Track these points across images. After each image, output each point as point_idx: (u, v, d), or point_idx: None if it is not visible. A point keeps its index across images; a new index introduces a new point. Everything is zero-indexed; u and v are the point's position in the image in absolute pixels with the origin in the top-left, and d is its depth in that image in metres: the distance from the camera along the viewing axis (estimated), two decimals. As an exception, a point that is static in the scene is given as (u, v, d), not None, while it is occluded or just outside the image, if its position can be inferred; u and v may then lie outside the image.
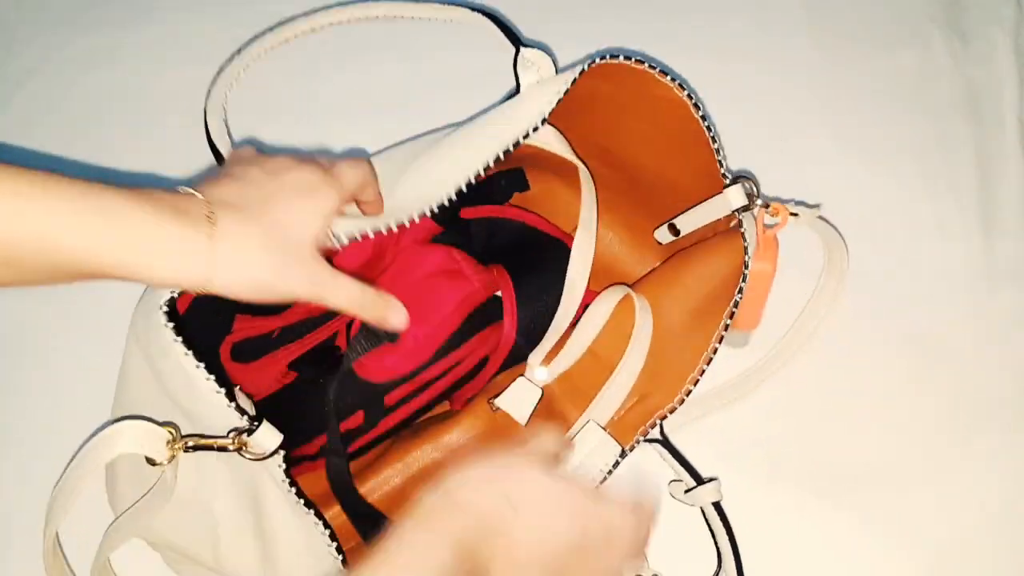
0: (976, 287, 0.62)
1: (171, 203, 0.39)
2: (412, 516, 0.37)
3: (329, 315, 0.54)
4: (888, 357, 0.60)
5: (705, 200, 0.53)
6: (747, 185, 0.52)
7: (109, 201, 0.37)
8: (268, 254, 0.40)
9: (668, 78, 0.50)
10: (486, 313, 0.54)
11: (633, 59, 0.50)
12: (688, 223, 0.55)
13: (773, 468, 0.57)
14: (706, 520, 0.54)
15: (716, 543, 0.54)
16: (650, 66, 0.50)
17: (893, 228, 0.64)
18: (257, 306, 0.53)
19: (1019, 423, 0.59)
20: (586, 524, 0.40)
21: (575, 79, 0.50)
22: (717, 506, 0.53)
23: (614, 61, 0.50)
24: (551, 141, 0.55)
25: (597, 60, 0.50)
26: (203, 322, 0.54)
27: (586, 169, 0.56)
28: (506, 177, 0.59)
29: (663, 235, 0.57)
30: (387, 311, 0.46)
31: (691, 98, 0.51)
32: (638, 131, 0.55)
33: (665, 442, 0.54)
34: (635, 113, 0.53)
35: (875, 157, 0.67)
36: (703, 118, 0.51)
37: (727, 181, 0.52)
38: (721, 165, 0.52)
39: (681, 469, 0.55)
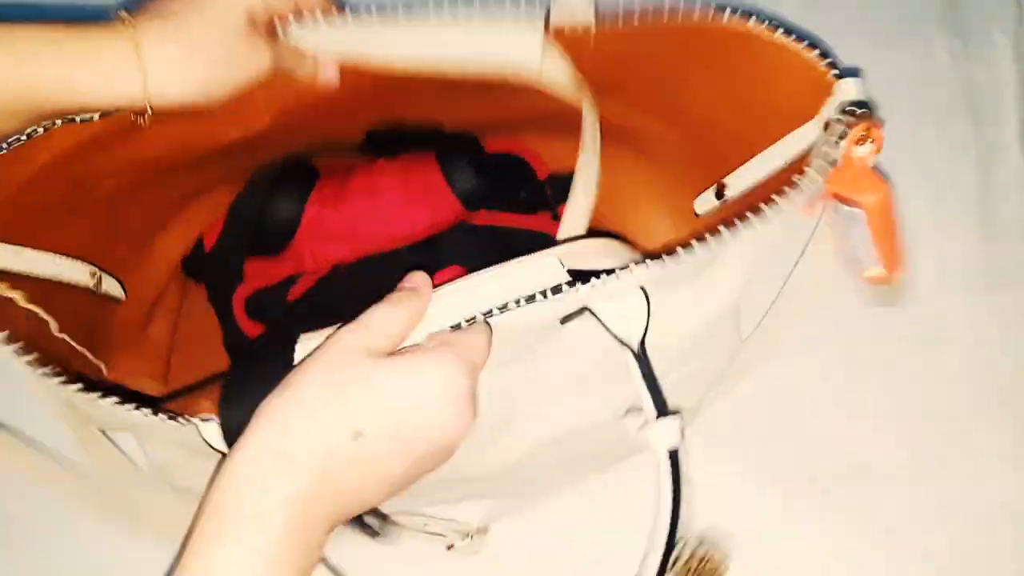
0: (976, 287, 0.62)
1: (92, 24, 0.39)
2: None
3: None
4: (887, 356, 0.60)
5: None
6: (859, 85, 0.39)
7: (40, 34, 0.38)
8: (199, 41, 0.40)
9: (725, 15, 0.41)
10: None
11: (680, 10, 0.42)
12: (742, 178, 0.44)
13: (772, 468, 0.57)
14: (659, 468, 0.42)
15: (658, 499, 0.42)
16: (700, 11, 0.42)
17: (893, 228, 0.64)
18: (260, 246, 0.54)
19: (1019, 423, 0.59)
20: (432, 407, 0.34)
21: (606, 26, 0.43)
22: (673, 456, 0.42)
23: (657, 15, 0.42)
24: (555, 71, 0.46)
25: (635, 14, 0.43)
26: (216, 275, 0.54)
27: (589, 103, 0.47)
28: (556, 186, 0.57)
29: (704, 203, 0.47)
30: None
31: (762, 23, 0.41)
32: (707, 82, 0.46)
33: (641, 357, 0.41)
34: (700, 62, 0.45)
35: (875, 157, 0.67)
36: (788, 31, 0.41)
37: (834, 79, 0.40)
38: (829, 68, 0.40)
39: (647, 393, 0.41)
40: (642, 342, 0.39)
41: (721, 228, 0.37)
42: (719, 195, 0.46)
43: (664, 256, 0.37)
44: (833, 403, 0.59)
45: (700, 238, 0.37)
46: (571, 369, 0.43)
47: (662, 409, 0.41)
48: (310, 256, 0.55)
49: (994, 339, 0.61)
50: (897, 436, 0.58)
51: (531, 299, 0.36)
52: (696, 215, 0.49)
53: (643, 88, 0.48)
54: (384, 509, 0.55)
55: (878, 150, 0.40)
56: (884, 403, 0.59)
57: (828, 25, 0.71)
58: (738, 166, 0.45)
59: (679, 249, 0.37)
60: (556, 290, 0.36)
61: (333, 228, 0.54)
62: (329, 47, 0.44)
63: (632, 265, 0.37)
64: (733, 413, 0.58)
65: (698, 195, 0.49)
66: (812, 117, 0.40)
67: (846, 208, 0.41)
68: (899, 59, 0.69)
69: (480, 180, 0.54)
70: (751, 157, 0.44)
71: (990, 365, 0.60)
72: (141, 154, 0.46)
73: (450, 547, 0.56)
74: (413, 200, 0.54)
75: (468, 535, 0.55)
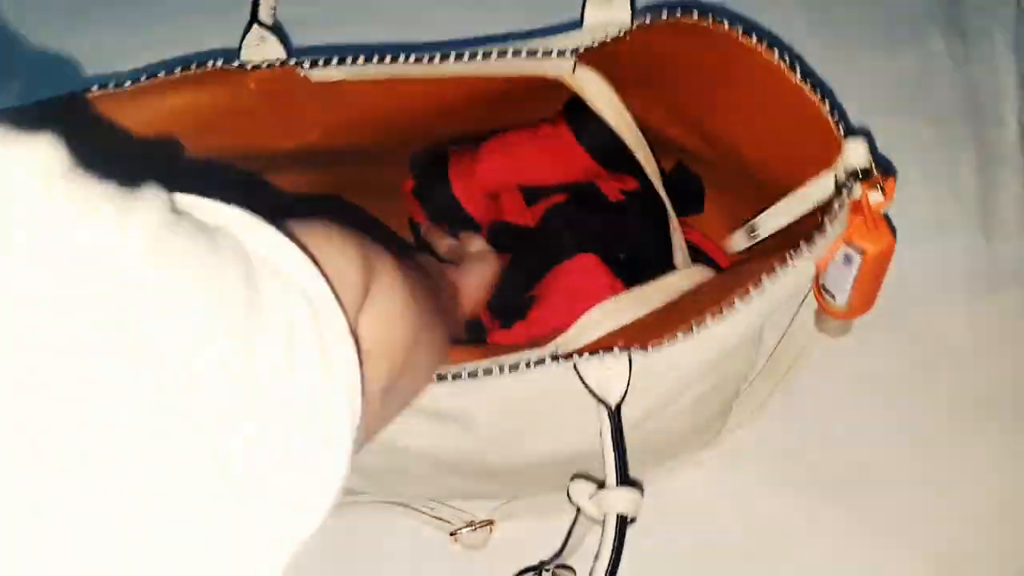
0: (976, 287, 0.62)
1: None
2: None
3: None
4: (888, 357, 0.60)
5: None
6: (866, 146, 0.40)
7: None
8: None
9: (753, 39, 0.41)
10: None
11: (711, 17, 0.41)
12: (771, 221, 0.45)
13: (773, 469, 0.57)
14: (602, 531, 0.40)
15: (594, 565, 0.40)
16: (730, 25, 0.41)
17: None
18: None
19: (1019, 423, 0.59)
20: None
21: (634, 27, 0.44)
22: (622, 523, 0.39)
23: (688, 19, 0.42)
24: (593, 89, 0.48)
25: (664, 15, 0.43)
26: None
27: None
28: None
29: (739, 241, 0.47)
30: None
31: (785, 59, 0.41)
32: (733, 105, 0.46)
33: (614, 417, 0.41)
34: (726, 82, 0.45)
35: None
36: (805, 77, 0.40)
37: (842, 142, 0.40)
38: (838, 127, 0.41)
39: (611, 459, 0.40)
40: (619, 404, 0.41)
41: (736, 300, 0.40)
42: (751, 234, 0.48)
43: (650, 348, 0.40)
44: (833, 403, 0.59)
45: (714, 312, 0.40)
46: (545, 406, 0.45)
47: (623, 474, 0.40)
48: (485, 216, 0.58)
49: (994, 339, 0.61)
50: (897, 436, 0.58)
51: (540, 363, 0.41)
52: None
53: (673, 88, 0.48)
54: (402, 497, 0.56)
55: (888, 201, 0.42)
56: (884, 403, 0.59)
57: (829, 25, 0.71)
58: (759, 194, 0.46)
59: (687, 331, 0.40)
60: (554, 358, 0.41)
61: (480, 191, 0.57)
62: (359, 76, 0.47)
63: (633, 353, 0.40)
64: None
65: (731, 217, 0.51)
66: (825, 164, 0.42)
67: (846, 246, 0.43)
68: (899, 59, 0.69)
69: (608, 137, 0.52)
70: (769, 187, 0.45)
71: (990, 365, 0.60)
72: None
73: (453, 534, 0.56)
74: (545, 152, 0.56)
75: (472, 523, 0.56)
